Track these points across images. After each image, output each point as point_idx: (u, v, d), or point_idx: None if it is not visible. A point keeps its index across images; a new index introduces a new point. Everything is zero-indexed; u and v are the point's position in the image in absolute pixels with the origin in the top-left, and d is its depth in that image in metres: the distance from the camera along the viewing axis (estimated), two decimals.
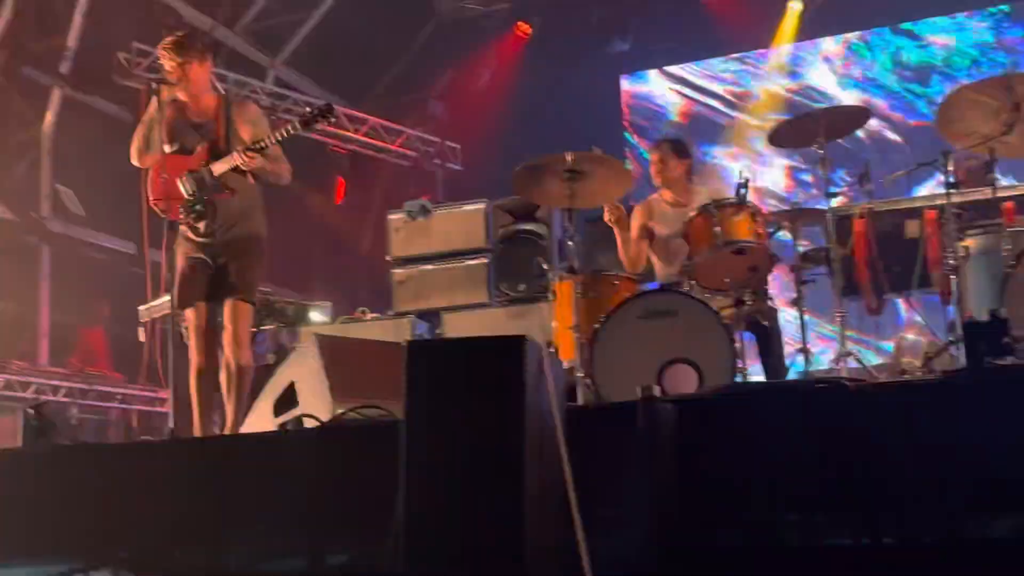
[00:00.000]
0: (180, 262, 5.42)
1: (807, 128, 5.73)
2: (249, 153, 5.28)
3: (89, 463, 4.42)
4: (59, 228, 10.47)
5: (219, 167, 5.34)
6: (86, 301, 10.58)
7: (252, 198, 5.56)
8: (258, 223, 5.58)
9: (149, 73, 9.66)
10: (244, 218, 5.48)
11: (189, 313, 5.38)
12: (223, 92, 5.62)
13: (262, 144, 5.32)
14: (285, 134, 5.38)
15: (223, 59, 11.05)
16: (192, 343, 5.33)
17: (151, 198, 5.46)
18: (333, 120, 5.58)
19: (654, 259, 6.25)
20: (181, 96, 5.49)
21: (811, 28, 11.48)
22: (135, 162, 5.52)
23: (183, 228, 5.39)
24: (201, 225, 5.29)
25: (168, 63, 5.43)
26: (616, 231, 6.13)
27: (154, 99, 5.33)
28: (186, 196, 5.31)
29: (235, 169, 5.36)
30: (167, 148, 5.38)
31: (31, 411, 4.66)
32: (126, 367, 9.42)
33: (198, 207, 5.24)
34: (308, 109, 5.62)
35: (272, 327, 7.27)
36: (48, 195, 10.46)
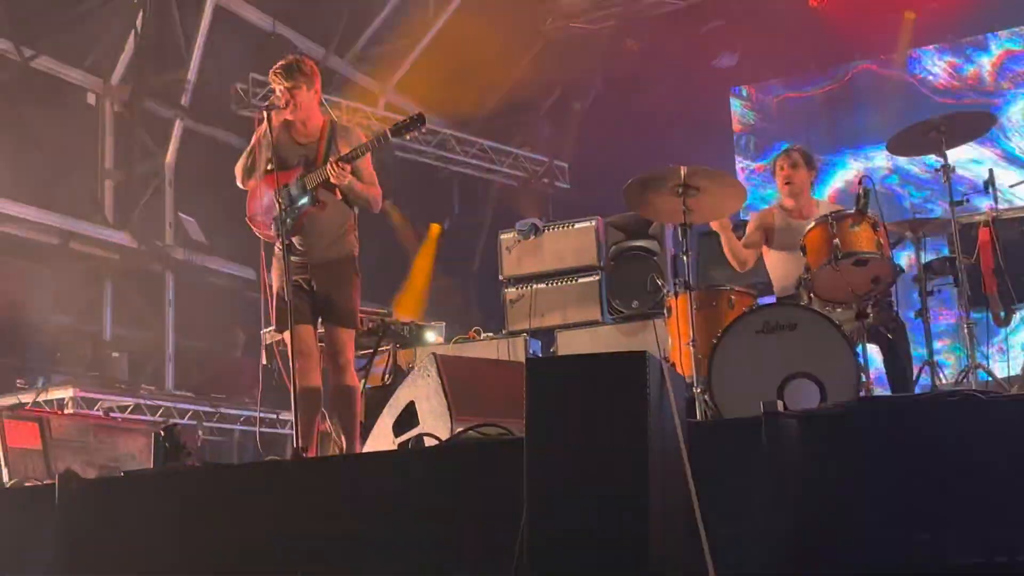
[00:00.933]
0: (275, 285, 5.49)
1: (927, 135, 5.59)
2: (340, 164, 5.31)
3: (217, 483, 4.52)
4: (182, 255, 10.81)
5: (311, 179, 5.39)
6: (209, 326, 10.89)
7: (345, 221, 5.57)
8: (350, 246, 5.59)
9: (264, 102, 9.94)
10: (336, 241, 5.50)
11: (287, 336, 5.39)
12: (331, 116, 5.67)
13: (353, 154, 5.36)
14: (377, 143, 5.43)
15: (335, 86, 11.30)
16: (292, 365, 5.36)
17: (247, 215, 5.57)
18: (423, 128, 5.57)
19: (771, 272, 6.15)
20: (290, 119, 5.59)
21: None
22: (240, 183, 5.64)
23: (276, 249, 5.45)
24: (293, 240, 5.30)
25: (278, 87, 5.54)
26: (722, 236, 6.04)
27: (263, 123, 5.42)
28: (278, 211, 5.35)
29: (327, 186, 5.40)
30: (269, 167, 5.48)
31: (161, 433, 4.79)
32: (249, 390, 9.66)
33: (288, 221, 5.29)
34: (401, 119, 5.60)
35: (388, 348, 7.35)
36: (171, 223, 10.81)
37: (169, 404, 8.72)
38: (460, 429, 4.65)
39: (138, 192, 10.66)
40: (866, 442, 3.59)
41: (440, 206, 12.92)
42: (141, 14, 10.26)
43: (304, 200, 5.37)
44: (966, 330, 5.67)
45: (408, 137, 5.65)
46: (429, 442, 4.75)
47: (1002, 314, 6.10)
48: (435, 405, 4.96)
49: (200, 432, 8.32)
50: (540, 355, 7.46)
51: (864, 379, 5.01)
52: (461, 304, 11.37)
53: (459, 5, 11.94)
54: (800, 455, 3.59)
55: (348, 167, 5.32)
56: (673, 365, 5.43)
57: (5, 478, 5.95)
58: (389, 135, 5.47)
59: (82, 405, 7.96)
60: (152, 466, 4.99)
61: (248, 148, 5.63)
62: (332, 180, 5.31)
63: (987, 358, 5.82)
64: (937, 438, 3.51)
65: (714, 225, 5.98)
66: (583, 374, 3.04)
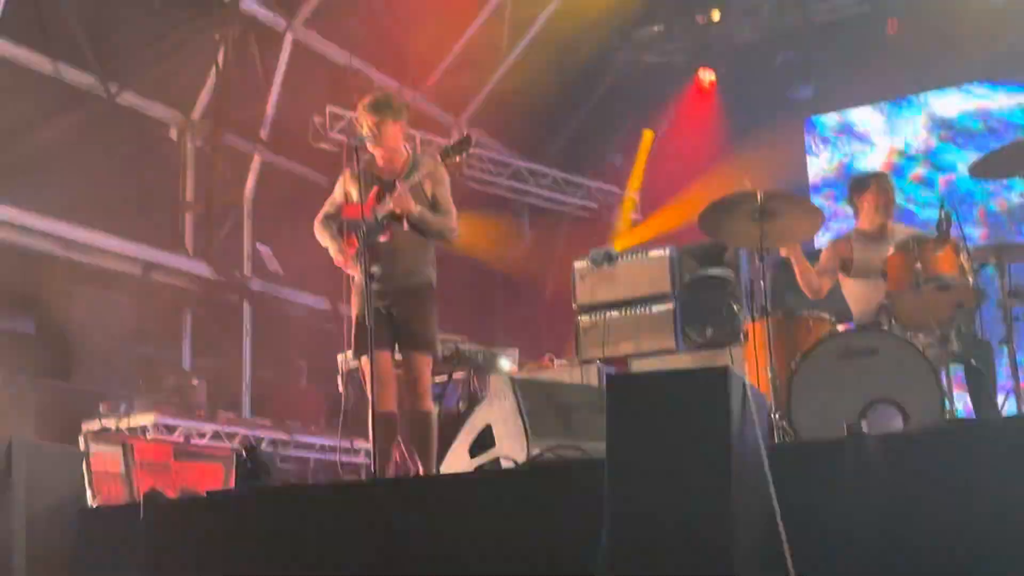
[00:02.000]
0: (354, 311, 5.58)
1: (1012, 159, 5.49)
2: (398, 192, 5.39)
3: (298, 502, 4.56)
4: (259, 286, 10.99)
5: (380, 209, 5.45)
6: (285, 356, 11.04)
7: (423, 249, 5.65)
8: (429, 274, 5.67)
9: (342, 135, 10.11)
10: (414, 269, 5.57)
11: (364, 361, 5.45)
12: (414, 151, 5.76)
13: (414, 179, 5.44)
14: (428, 166, 5.52)
15: (410, 119, 11.43)
16: (368, 391, 5.41)
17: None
18: (470, 150, 5.64)
19: (850, 296, 6.07)
20: (376, 154, 5.69)
21: None
22: (318, 237, 5.75)
23: (356, 277, 5.53)
24: (371, 270, 5.31)
25: (366, 121, 5.64)
26: (793, 262, 6.00)
27: (346, 168, 5.53)
28: (358, 242, 5.44)
29: (397, 218, 5.48)
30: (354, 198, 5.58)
31: (243, 453, 4.86)
32: (326, 418, 9.77)
33: (361, 250, 5.36)
34: (449, 142, 5.70)
35: (462, 375, 7.39)
36: (249, 255, 11.00)
37: (246, 431, 8.84)
38: (537, 451, 4.65)
39: (217, 224, 10.87)
40: (952, 465, 3.51)
41: (513, 236, 12.99)
42: (222, 50, 10.51)
43: (377, 230, 5.45)
44: None
45: (459, 159, 5.69)
46: (506, 464, 4.75)
47: None
48: (511, 428, 4.97)
49: (276, 459, 8.41)
50: None
51: (949, 405, 4.92)
52: (533, 332, 11.38)
53: (532, 38, 12.04)
54: (884, 478, 3.53)
55: (407, 197, 5.40)
56: None
57: (90, 501, 6.07)
58: (440, 157, 5.56)
59: (163, 431, 8.10)
60: (233, 486, 5.06)
61: (326, 205, 5.77)
62: (393, 207, 5.40)
63: None
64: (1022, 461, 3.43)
65: (783, 252, 5.94)
66: (664, 391, 3.03)
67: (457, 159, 5.65)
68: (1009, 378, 5.38)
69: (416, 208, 5.46)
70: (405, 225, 5.53)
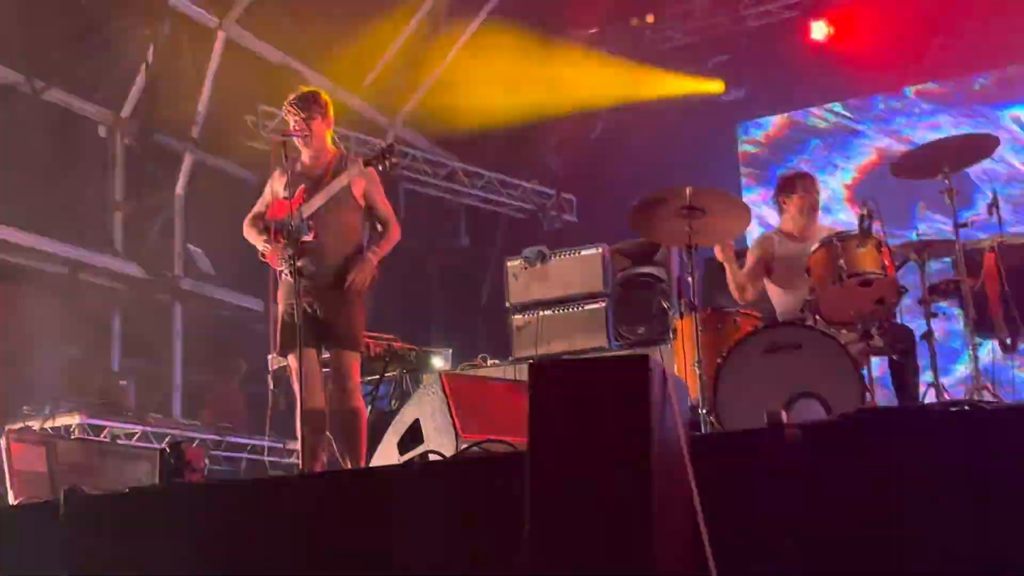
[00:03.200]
0: (280, 309, 5.54)
1: (933, 158, 5.61)
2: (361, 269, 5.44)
3: (222, 499, 4.51)
4: (190, 286, 10.85)
5: (308, 208, 5.42)
6: (216, 357, 10.92)
7: (351, 248, 5.62)
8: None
9: (275, 134, 10.02)
10: (340, 266, 5.55)
11: (291, 359, 5.44)
12: (342, 150, 5.72)
13: (337, 187, 5.43)
14: (353, 172, 5.52)
15: (345, 120, 11.38)
16: (296, 389, 5.39)
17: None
18: (394, 160, 5.64)
19: (774, 295, 6.16)
20: (304, 152, 5.65)
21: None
22: (246, 235, 5.71)
23: (283, 275, 5.50)
24: (295, 265, 5.29)
25: (293, 118, 5.60)
26: (726, 266, 6.06)
27: (276, 159, 5.49)
28: (284, 238, 5.40)
29: (327, 212, 5.45)
30: (284, 195, 5.54)
31: (167, 450, 4.80)
32: (256, 420, 9.66)
33: (289, 249, 5.32)
34: (375, 150, 5.70)
35: (394, 373, 7.37)
36: (180, 255, 10.87)
37: (176, 432, 8.72)
38: (465, 446, 4.66)
39: (147, 223, 10.73)
40: (871, 453, 3.58)
41: (448, 237, 12.98)
42: (152, 47, 10.38)
43: (302, 229, 5.40)
44: (971, 354, 5.65)
45: (384, 167, 5.66)
46: (434, 459, 4.75)
47: (1008, 340, 6.07)
48: (440, 423, 4.97)
49: (206, 460, 8.30)
50: None
51: (869, 398, 5.01)
52: (468, 332, 11.37)
53: (468, 40, 12.06)
54: (804, 466, 3.58)
55: (366, 271, 5.43)
56: None
57: (11, 500, 5.96)
58: (363, 165, 5.54)
59: (89, 432, 7.96)
60: (158, 483, 5.00)
61: (257, 205, 5.73)
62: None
63: (992, 382, 5.79)
64: (942, 449, 3.50)
65: (719, 255, 6.00)
66: (585, 378, 3.04)
67: (381, 168, 5.62)
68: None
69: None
70: (343, 217, 5.51)
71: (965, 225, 5.56)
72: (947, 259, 5.99)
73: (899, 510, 3.48)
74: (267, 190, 5.79)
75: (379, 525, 4.12)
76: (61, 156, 9.94)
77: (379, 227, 5.72)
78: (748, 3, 11.82)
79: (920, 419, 3.72)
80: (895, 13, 11.01)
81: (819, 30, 11.56)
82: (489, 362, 7.81)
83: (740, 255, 6.30)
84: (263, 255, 5.62)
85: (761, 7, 11.80)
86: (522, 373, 7.47)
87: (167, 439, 8.50)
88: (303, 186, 5.49)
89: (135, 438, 8.32)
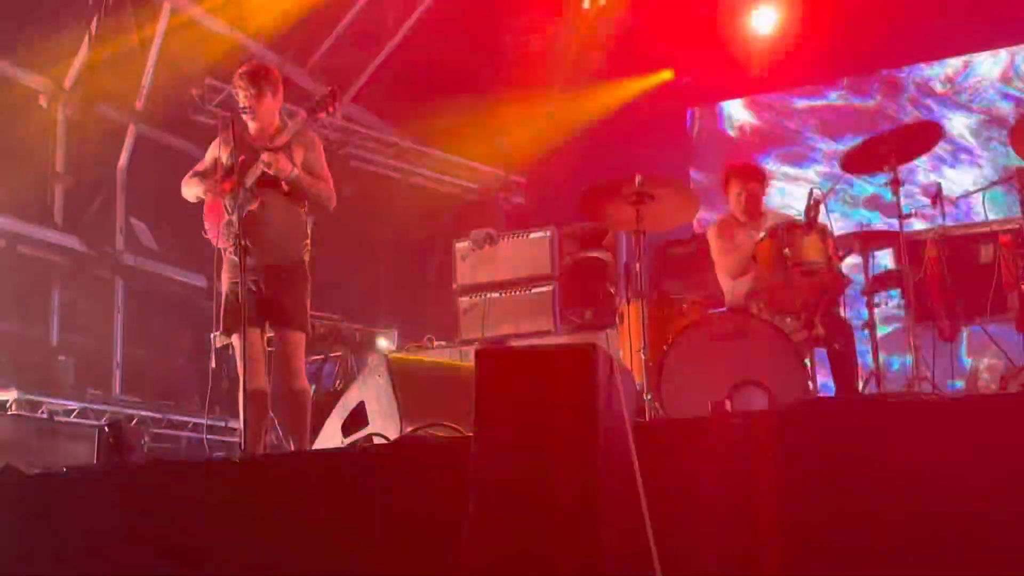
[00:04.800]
0: (224, 288, 5.45)
1: (877, 151, 5.66)
2: (270, 153, 5.27)
3: (161, 480, 4.46)
4: (132, 262, 10.67)
5: (251, 175, 5.33)
6: (158, 333, 10.76)
7: (295, 223, 5.54)
8: (300, 248, 5.56)
9: (221, 108, 9.87)
10: (285, 243, 5.47)
11: (236, 339, 5.36)
12: (288, 123, 5.63)
13: (279, 140, 5.34)
14: (298, 125, 5.43)
15: (292, 96, 11.24)
16: (240, 369, 5.32)
17: (204, 226, 5.54)
18: (336, 105, 5.57)
19: (723, 281, 6.21)
20: (250, 126, 5.57)
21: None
22: (185, 195, 5.61)
23: (227, 253, 5.41)
24: (238, 242, 5.20)
25: (242, 93, 5.51)
26: (714, 248, 6.09)
27: (225, 131, 5.39)
28: (226, 215, 5.32)
29: (270, 184, 5.36)
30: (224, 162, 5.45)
31: (106, 428, 4.73)
32: (198, 397, 9.55)
33: (233, 220, 5.24)
34: (316, 96, 5.61)
35: (339, 354, 7.33)
36: (122, 229, 10.67)
37: (116, 409, 8.60)
38: (409, 429, 4.64)
39: (89, 197, 10.53)
40: (812, 442, 3.62)
41: (396, 216, 12.90)
42: (96, 18, 10.16)
43: (248, 198, 5.31)
44: (912, 343, 5.73)
45: (326, 115, 5.58)
46: (378, 442, 4.72)
47: (948, 329, 6.17)
48: (385, 406, 4.95)
49: (146, 436, 8.21)
50: None
51: (812, 387, 5.07)
52: (415, 313, 11.32)
53: (419, 18, 11.95)
54: (746, 455, 3.62)
55: (281, 155, 5.29)
56: None
57: None
58: (306, 115, 5.48)
59: (25, 408, 7.82)
60: (96, 463, 4.93)
61: (197, 167, 5.61)
62: (266, 169, 5.27)
63: (932, 371, 5.89)
64: (881, 438, 3.55)
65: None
66: (532, 364, 3.04)
67: (323, 114, 5.54)
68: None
69: (291, 167, 5.35)
70: (284, 187, 5.40)
71: (909, 216, 5.62)
72: (891, 249, 6.07)
73: (838, 500, 3.53)
74: (208, 155, 5.68)
75: (321, 508, 4.09)
76: (1, 127, 9.71)
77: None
78: None
79: (859, 409, 3.78)
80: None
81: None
82: (435, 344, 7.80)
83: (690, 242, 6.35)
84: (205, 231, 5.53)
85: None
86: (468, 355, 7.47)
87: (106, 416, 8.39)
88: (243, 156, 5.40)
89: (73, 415, 8.19)
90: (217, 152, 5.56)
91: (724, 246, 6.15)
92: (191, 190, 5.60)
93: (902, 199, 5.52)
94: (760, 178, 6.28)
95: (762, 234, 5.49)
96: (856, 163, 6.03)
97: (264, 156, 5.27)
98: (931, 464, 3.44)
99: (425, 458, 4.08)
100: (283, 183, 5.37)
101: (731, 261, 6.09)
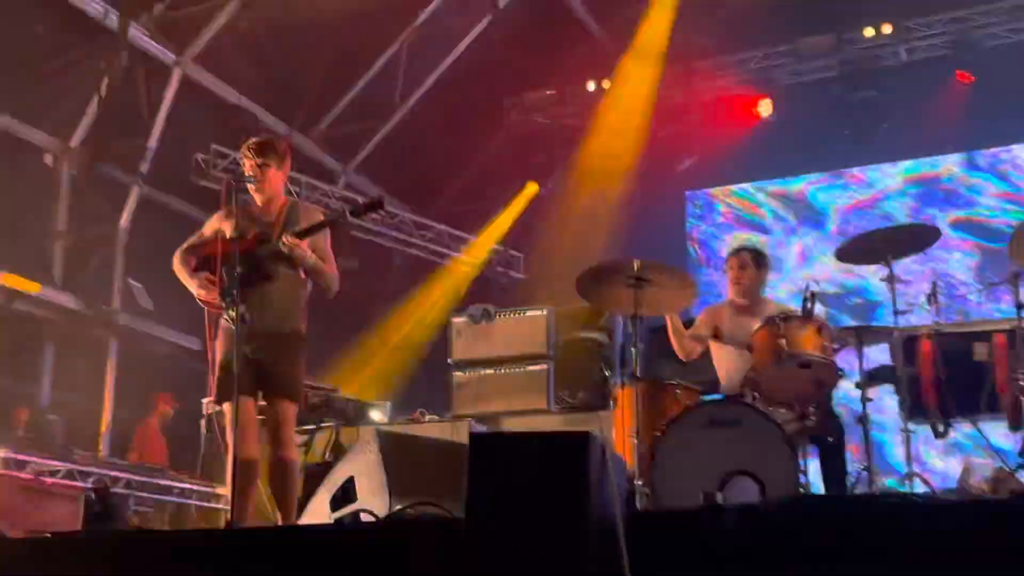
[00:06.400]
0: (219, 355, 5.43)
1: (875, 246, 5.72)
2: (292, 237, 5.32)
3: (147, 549, 4.41)
4: (127, 321, 10.67)
5: (263, 250, 5.33)
6: (151, 395, 10.71)
7: (295, 296, 5.53)
8: (298, 321, 5.54)
9: (225, 174, 9.96)
10: (285, 315, 5.46)
11: (227, 407, 5.33)
12: (294, 198, 5.64)
13: (311, 229, 5.37)
14: (334, 221, 5.45)
15: (297, 163, 11.35)
16: (229, 437, 5.28)
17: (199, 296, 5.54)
18: (382, 212, 5.60)
19: (719, 365, 6.21)
20: (255, 197, 5.60)
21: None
22: (175, 266, 5.60)
23: (223, 320, 5.39)
24: (238, 312, 5.15)
25: (248, 163, 5.55)
26: (668, 323, 6.10)
27: (223, 203, 5.41)
28: (227, 282, 5.32)
29: (280, 260, 5.40)
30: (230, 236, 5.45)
31: (93, 495, 4.69)
32: (187, 462, 9.48)
33: (233, 291, 5.24)
34: (360, 200, 5.64)
35: (331, 425, 7.29)
36: (120, 289, 10.70)
37: (103, 472, 8.52)
38: (398, 507, 4.60)
39: (89, 255, 10.57)
40: (803, 538, 3.60)
41: (394, 288, 12.95)
42: (106, 79, 10.30)
43: (253, 272, 5.33)
44: (905, 440, 5.72)
45: (365, 218, 5.63)
46: (366, 519, 4.69)
47: (940, 427, 6.16)
48: (374, 481, 4.92)
49: (132, 502, 8.13)
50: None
51: (803, 480, 5.05)
52: (408, 386, 11.30)
53: (427, 90, 12.13)
54: (737, 549, 3.59)
55: (302, 241, 5.33)
56: None
57: None
58: (348, 215, 5.49)
59: (12, 467, 7.76)
60: (81, 528, 4.88)
61: (192, 238, 5.63)
62: (284, 249, 5.29)
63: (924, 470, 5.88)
64: (873, 539, 3.53)
65: (667, 319, 6.05)
66: (525, 452, 3.04)
67: (364, 218, 5.57)
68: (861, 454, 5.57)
69: (310, 255, 5.39)
70: (302, 273, 5.44)
71: (904, 313, 5.65)
72: (886, 344, 6.08)
73: None
74: (206, 227, 5.68)
75: None
76: (4, 183, 9.77)
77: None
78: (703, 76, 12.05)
79: (851, 508, 3.76)
80: None
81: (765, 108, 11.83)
82: (427, 417, 7.76)
83: (686, 322, 6.36)
84: (200, 298, 5.53)
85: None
86: (460, 430, 7.42)
87: (93, 479, 8.32)
88: (256, 231, 5.43)
89: (60, 475, 8.12)
90: (219, 224, 5.57)
91: (684, 331, 6.16)
92: (182, 276, 5.58)
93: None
94: (752, 257, 6.30)
95: (759, 324, 5.51)
96: (851, 255, 6.09)
97: (286, 239, 5.30)
98: (920, 566, 3.42)
99: (413, 539, 4.05)
100: (299, 268, 5.40)
101: (680, 344, 6.13)
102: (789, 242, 12.17)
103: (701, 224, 12.69)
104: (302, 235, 5.35)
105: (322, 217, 5.64)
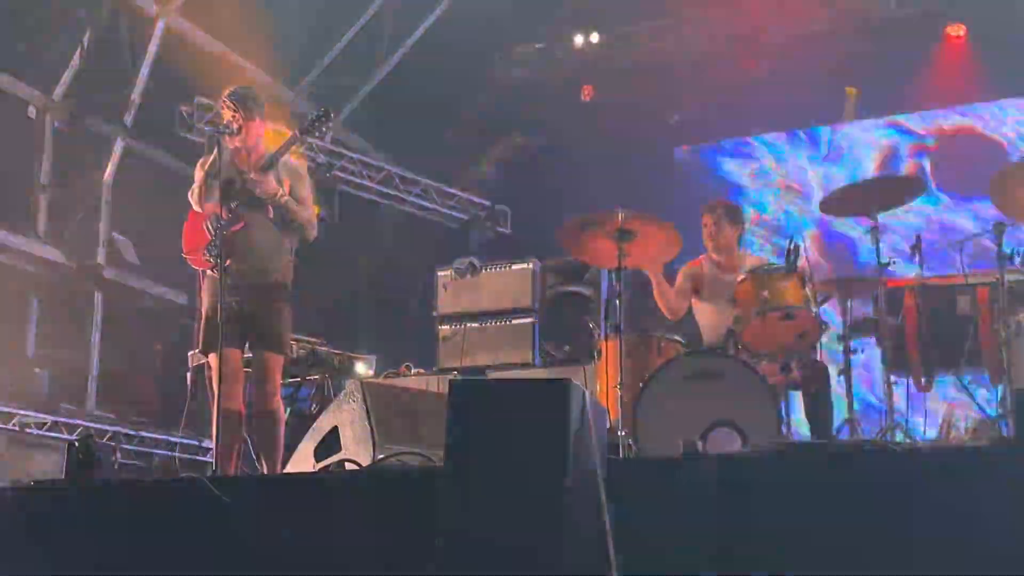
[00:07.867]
0: (204, 307, 5.44)
1: (859, 197, 5.72)
2: (256, 173, 5.28)
3: (129, 498, 4.43)
4: (113, 275, 10.62)
5: (235, 195, 5.32)
6: (136, 349, 10.70)
7: (277, 245, 5.52)
8: (283, 271, 5.55)
9: (210, 127, 9.88)
10: (268, 264, 5.46)
11: (212, 359, 5.34)
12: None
13: (269, 160, 5.35)
14: (289, 144, 5.45)
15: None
16: (215, 388, 5.30)
17: (184, 249, 5.53)
18: (328, 127, 5.57)
19: (701, 318, 6.23)
20: (238, 147, 5.57)
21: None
22: (196, 208, 5.57)
23: (209, 271, 5.40)
24: (219, 261, 5.16)
25: (228, 114, 5.52)
26: (654, 282, 6.11)
27: (216, 149, 5.38)
28: (208, 235, 5.32)
29: (254, 205, 5.36)
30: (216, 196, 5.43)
31: (76, 444, 4.69)
32: (173, 415, 9.48)
33: (216, 241, 5.22)
34: (309, 117, 5.61)
35: (317, 377, 7.30)
36: (104, 243, 10.63)
37: (89, 424, 8.54)
38: (382, 456, 4.62)
39: (73, 209, 10.50)
40: (782, 485, 3.63)
41: (380, 242, 12.91)
42: (89, 31, 10.18)
43: (232, 219, 5.31)
44: (886, 391, 5.75)
45: (319, 134, 5.60)
46: (350, 467, 4.70)
47: (923, 380, 6.19)
48: (359, 431, 4.94)
49: (118, 453, 8.15)
50: None
51: (785, 431, 5.08)
52: (394, 339, 11.29)
53: (415, 43, 12.01)
54: (717, 496, 3.62)
55: (270, 176, 5.30)
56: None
57: None
58: (299, 134, 5.50)
59: None
60: (64, 477, 4.88)
61: (201, 171, 5.59)
62: (254, 189, 5.27)
63: (906, 420, 5.91)
64: (852, 486, 3.56)
65: (650, 273, 6.05)
66: (505, 398, 3.05)
67: (317, 135, 5.55)
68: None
69: (280, 191, 5.36)
70: (270, 212, 5.41)
71: (887, 265, 5.66)
72: (870, 296, 6.09)
73: (805, 541, 3.53)
74: (196, 175, 5.67)
75: (289, 531, 4.07)
76: None
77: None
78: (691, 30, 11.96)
79: (832, 455, 3.79)
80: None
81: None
82: (413, 371, 7.78)
83: (670, 275, 6.36)
84: (186, 253, 5.52)
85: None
86: (445, 385, 7.41)
87: (78, 431, 8.34)
88: (231, 179, 5.40)
89: (45, 428, 8.14)
90: (203, 172, 5.56)
91: (670, 289, 6.16)
92: (197, 202, 5.59)
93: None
94: (725, 211, 6.29)
95: (743, 276, 5.52)
96: (835, 207, 6.10)
97: (252, 175, 5.28)
98: (899, 512, 3.46)
99: (396, 485, 4.08)
100: (268, 207, 5.37)
101: (666, 304, 6.13)
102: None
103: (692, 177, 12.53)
104: (266, 167, 5.33)
105: (301, 166, 5.63)
